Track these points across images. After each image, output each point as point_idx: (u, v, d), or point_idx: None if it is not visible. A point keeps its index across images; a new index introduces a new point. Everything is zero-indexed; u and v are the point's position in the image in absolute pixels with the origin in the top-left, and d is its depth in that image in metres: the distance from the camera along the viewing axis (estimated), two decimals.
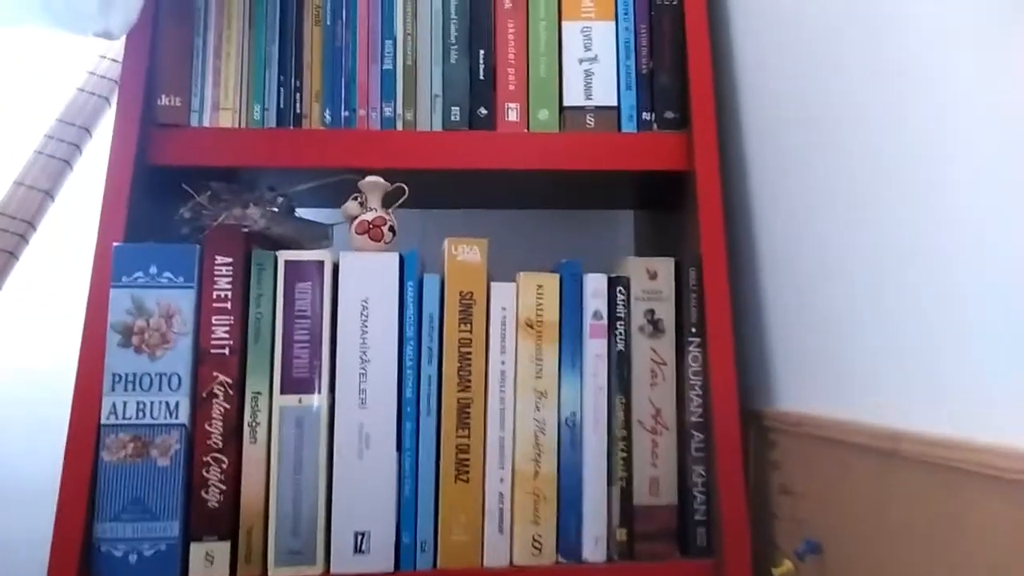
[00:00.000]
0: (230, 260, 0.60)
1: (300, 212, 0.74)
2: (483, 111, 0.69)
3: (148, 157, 0.65)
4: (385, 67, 0.69)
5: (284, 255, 0.60)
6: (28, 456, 0.84)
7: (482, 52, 0.70)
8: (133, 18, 0.55)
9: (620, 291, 0.63)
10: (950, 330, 0.40)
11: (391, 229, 0.64)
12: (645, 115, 0.70)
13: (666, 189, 0.74)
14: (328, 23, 0.69)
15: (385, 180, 0.66)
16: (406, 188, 0.66)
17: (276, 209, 0.66)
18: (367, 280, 0.61)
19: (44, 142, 0.75)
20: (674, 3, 0.71)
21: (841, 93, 0.53)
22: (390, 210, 0.66)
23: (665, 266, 0.64)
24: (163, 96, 0.66)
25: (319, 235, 0.72)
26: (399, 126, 0.68)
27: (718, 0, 0.75)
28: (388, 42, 0.69)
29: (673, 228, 0.76)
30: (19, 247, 0.72)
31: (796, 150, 0.60)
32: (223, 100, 0.67)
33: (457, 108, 0.69)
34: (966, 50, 0.39)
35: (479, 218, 0.88)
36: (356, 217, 0.64)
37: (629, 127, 0.69)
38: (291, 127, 0.67)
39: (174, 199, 0.66)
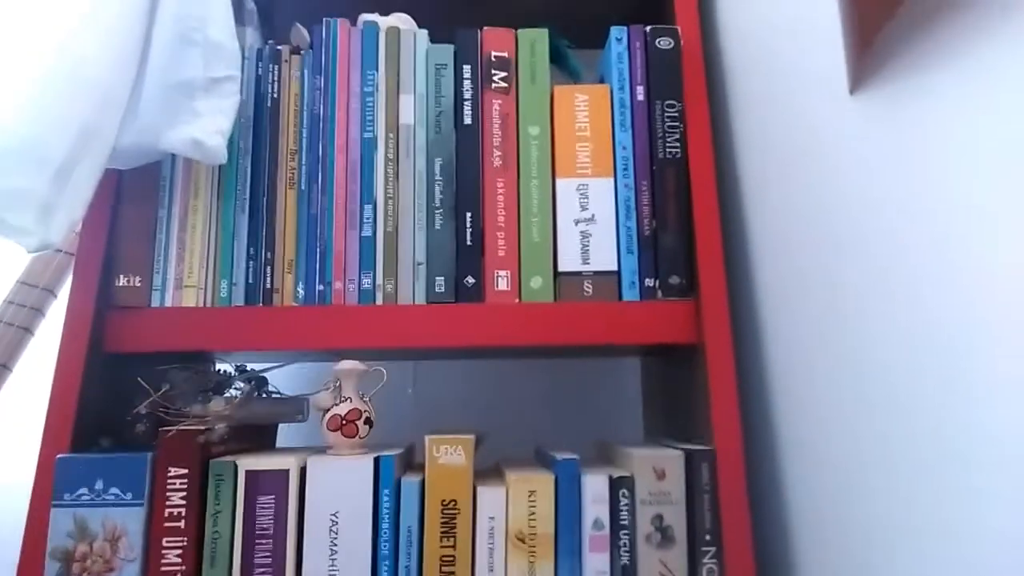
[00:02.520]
0: (185, 471, 0.53)
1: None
2: (471, 280, 0.63)
3: (103, 344, 0.59)
4: (364, 234, 0.63)
5: (245, 464, 0.54)
6: None
7: (469, 215, 0.64)
8: (76, 222, 0.51)
9: (624, 494, 0.56)
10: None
11: (367, 421, 0.58)
12: (648, 281, 0.63)
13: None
14: (303, 187, 0.64)
15: (363, 361, 0.60)
16: (385, 373, 0.60)
17: (243, 394, 0.60)
18: (338, 490, 0.54)
19: (3, 308, 0.70)
20: (677, 157, 0.65)
21: (865, 256, 0.46)
22: (368, 396, 0.60)
23: (674, 463, 0.57)
24: (121, 276, 0.61)
25: (293, 411, 0.66)
26: (379, 299, 0.62)
27: (725, 153, 0.69)
28: (367, 207, 0.64)
29: (684, 384, 0.69)
30: None
31: (816, 318, 0.53)
32: (187, 277, 0.61)
33: (442, 278, 0.63)
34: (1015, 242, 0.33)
35: (472, 367, 0.82)
36: (328, 410, 0.58)
37: (631, 295, 0.63)
38: (260, 304, 0.62)
39: (133, 388, 0.60)
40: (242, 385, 0.62)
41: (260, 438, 0.67)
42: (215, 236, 0.62)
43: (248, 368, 0.65)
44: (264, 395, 0.65)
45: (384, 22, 0.69)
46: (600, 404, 0.90)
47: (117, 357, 0.60)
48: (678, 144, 0.66)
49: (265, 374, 0.64)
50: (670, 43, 0.67)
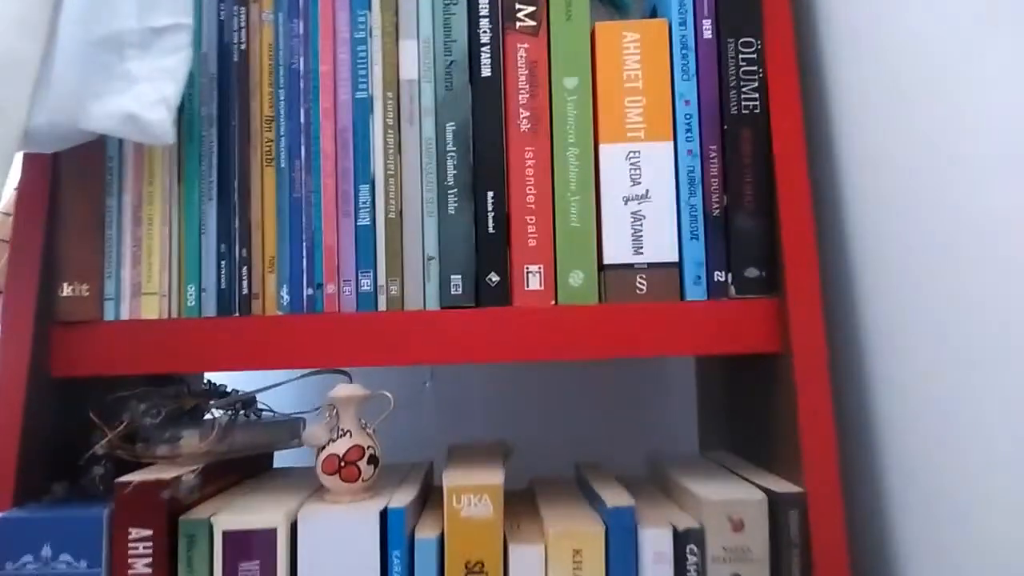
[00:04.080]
0: (149, 533, 0.43)
1: None
2: (494, 278, 0.51)
3: (48, 368, 0.49)
4: (360, 222, 0.51)
5: (222, 523, 0.44)
6: None
7: (491, 195, 0.51)
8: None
9: (692, 551, 0.45)
10: None
11: (372, 460, 0.47)
12: (718, 275, 0.50)
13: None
14: (282, 164, 0.51)
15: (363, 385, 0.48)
16: (392, 398, 0.49)
17: (222, 423, 0.50)
18: (337, 550, 0.44)
19: None
20: (756, 112, 0.51)
21: (1008, 246, 0.33)
22: (372, 427, 0.49)
23: (755, 511, 0.45)
24: (66, 284, 0.49)
25: (286, 436, 0.55)
26: (381, 304, 0.50)
27: (817, 107, 0.54)
28: (364, 187, 0.51)
29: (757, 394, 0.57)
30: None
31: (938, 322, 0.40)
32: (146, 282, 0.50)
33: (459, 276, 0.50)
34: None
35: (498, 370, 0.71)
36: (323, 448, 0.47)
37: (696, 292, 0.50)
38: (237, 314, 0.50)
39: (89, 418, 0.50)
40: (221, 412, 0.52)
41: (252, 459, 0.57)
42: (178, 230, 0.50)
43: (229, 390, 0.54)
44: (251, 415, 0.55)
45: None
46: (648, 406, 0.78)
47: (67, 383, 0.49)
48: (756, 96, 0.51)
49: (253, 392, 0.53)
50: None
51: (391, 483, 0.51)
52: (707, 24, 0.52)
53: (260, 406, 0.56)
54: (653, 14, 0.58)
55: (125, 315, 0.50)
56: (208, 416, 0.51)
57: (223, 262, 0.50)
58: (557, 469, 0.60)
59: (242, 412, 0.54)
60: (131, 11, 0.41)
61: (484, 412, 0.76)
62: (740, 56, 0.51)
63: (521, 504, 0.53)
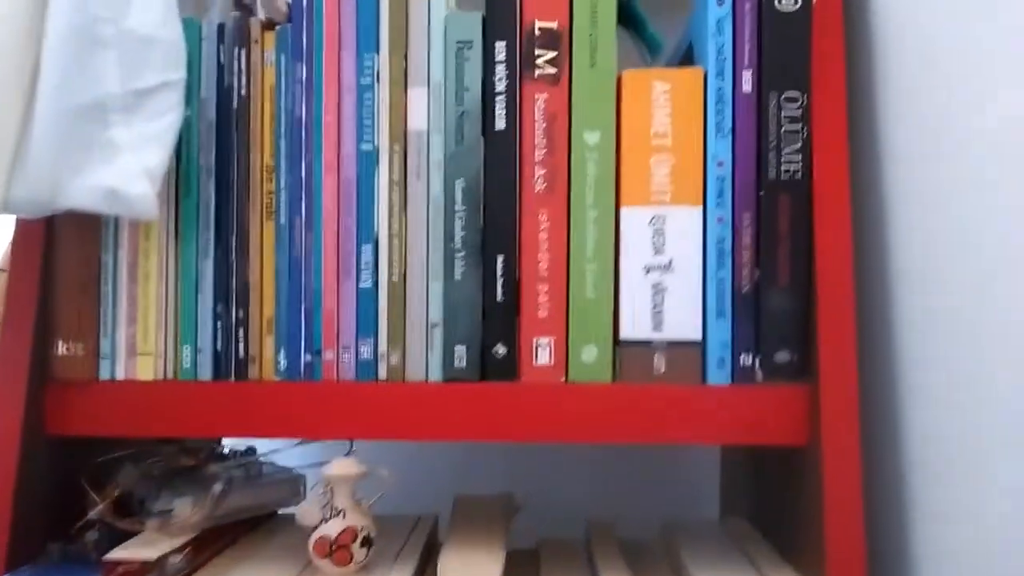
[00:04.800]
0: None
1: None
2: (501, 350, 0.47)
3: (43, 425, 0.48)
4: (362, 284, 0.48)
5: None
6: None
7: (501, 259, 0.47)
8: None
9: None
10: None
11: (365, 542, 0.45)
12: (744, 357, 0.46)
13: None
14: (283, 220, 0.49)
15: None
16: (390, 476, 0.47)
17: (217, 492, 0.48)
18: None
19: None
20: (797, 178, 0.46)
21: None
22: (370, 503, 0.47)
23: None
24: (60, 343, 0.48)
25: (288, 494, 0.53)
26: (382, 374, 0.48)
27: (869, 167, 0.49)
28: (366, 247, 0.48)
29: (782, 481, 0.53)
30: None
31: (980, 424, 0.36)
32: (142, 342, 0.48)
33: (463, 347, 0.47)
34: None
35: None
36: (315, 528, 0.45)
37: (719, 375, 0.46)
38: (233, 378, 0.48)
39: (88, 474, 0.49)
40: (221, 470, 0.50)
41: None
42: (174, 288, 0.48)
43: (227, 450, 0.53)
44: (252, 470, 0.53)
45: None
46: (669, 462, 0.74)
47: (62, 441, 0.48)
48: (799, 159, 0.46)
49: (252, 457, 0.52)
50: (796, 2, 0.46)
51: (390, 552, 0.49)
52: (747, 76, 0.46)
53: (260, 461, 0.54)
54: (688, 53, 0.52)
55: (120, 375, 0.48)
56: (205, 476, 0.50)
57: (219, 323, 0.48)
58: (571, 523, 0.58)
59: (241, 466, 0.53)
60: (114, 75, 0.38)
61: (497, 460, 0.74)
62: (783, 113, 0.46)
63: (523, 570, 0.51)
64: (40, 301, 0.48)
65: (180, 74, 0.43)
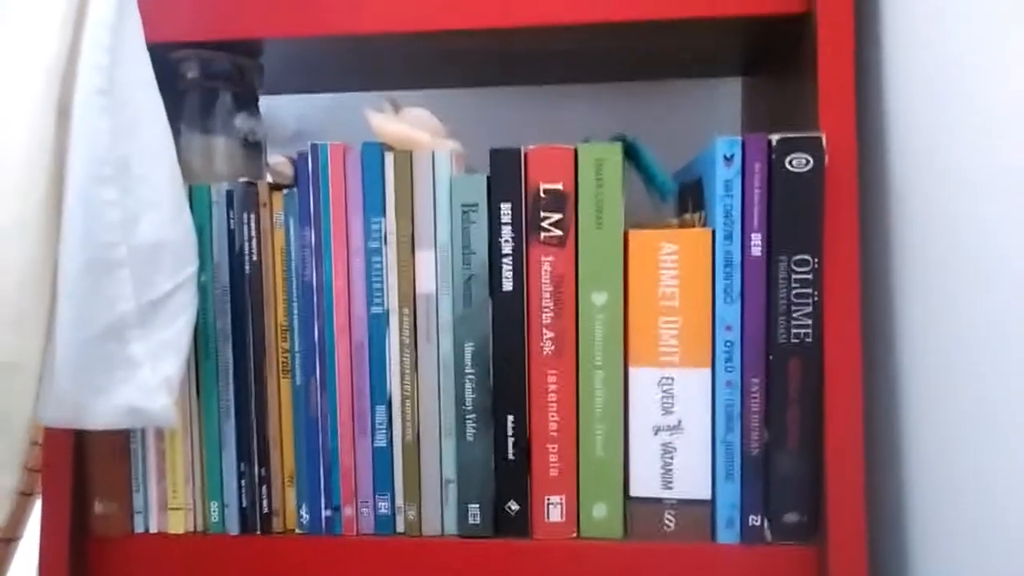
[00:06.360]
0: None
1: None
2: (514, 507, 0.49)
3: None
4: (377, 444, 0.49)
5: None
6: None
7: (511, 419, 0.48)
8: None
9: None
10: None
11: None
12: (753, 518, 0.47)
13: None
14: (298, 381, 0.50)
15: None
16: None
17: None
18: None
19: None
20: (807, 343, 0.45)
21: None
22: None
23: None
24: (97, 502, 0.51)
25: None
26: (400, 527, 0.49)
27: (881, 331, 0.48)
28: (380, 408, 0.49)
29: None
30: None
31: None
32: (172, 497, 0.51)
33: (476, 505, 0.49)
34: None
35: None
36: None
37: (728, 535, 0.47)
38: (258, 532, 0.50)
39: None
40: None
41: None
42: (199, 446, 0.51)
43: None
44: None
45: (394, 132, 0.49)
46: None
47: None
48: (809, 323, 0.45)
49: None
50: (808, 163, 0.45)
51: None
52: (756, 239, 0.46)
53: None
54: (698, 184, 0.51)
55: (154, 528, 0.51)
56: None
57: (243, 480, 0.50)
58: None
59: None
60: (128, 293, 0.39)
61: None
62: (793, 276, 0.45)
63: None
64: (75, 465, 0.50)
65: (192, 268, 0.44)
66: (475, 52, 0.57)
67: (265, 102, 0.60)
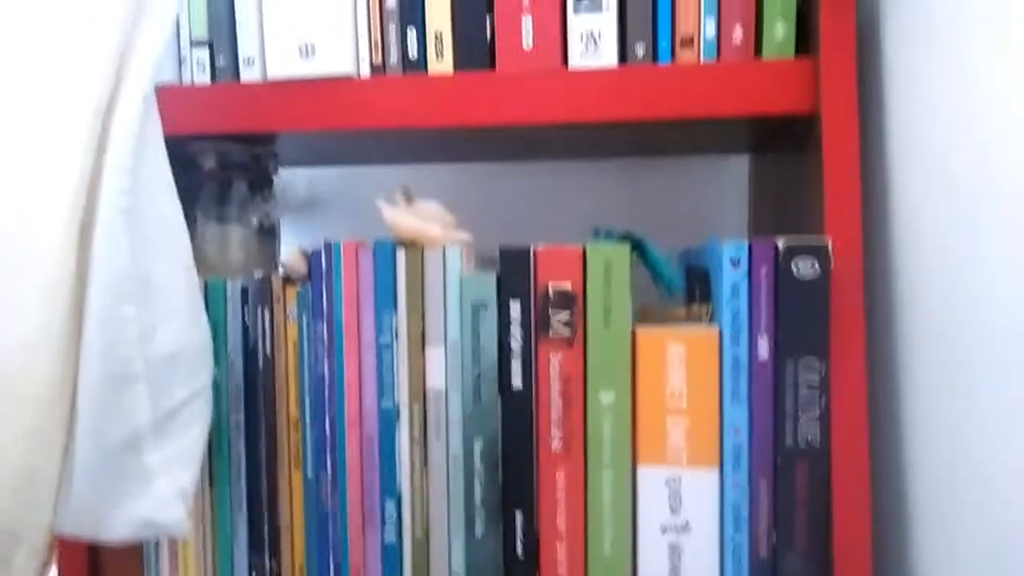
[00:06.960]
0: None
1: None
2: None
3: None
4: (387, 539, 0.50)
5: None
6: None
7: (520, 517, 0.49)
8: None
9: None
10: None
11: None
12: None
13: None
14: (310, 475, 0.50)
15: None
16: None
17: None
18: None
19: None
20: (815, 446, 0.46)
21: None
22: None
23: None
24: None
25: None
26: None
27: (889, 433, 0.48)
28: (390, 503, 0.50)
29: None
30: None
31: None
32: None
33: None
34: None
35: None
36: None
37: None
38: None
39: None
40: None
41: None
42: (211, 539, 0.51)
43: None
44: None
45: (406, 227, 0.50)
46: None
47: None
48: (817, 426, 0.46)
49: None
50: (815, 268, 0.45)
51: None
52: (763, 342, 0.46)
53: None
54: (706, 274, 0.52)
55: None
56: None
57: (253, 572, 0.51)
58: None
59: None
60: (145, 405, 0.40)
61: None
62: (800, 379, 0.46)
63: None
64: (90, 562, 0.51)
65: (206, 377, 0.44)
66: (477, 136, 0.58)
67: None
